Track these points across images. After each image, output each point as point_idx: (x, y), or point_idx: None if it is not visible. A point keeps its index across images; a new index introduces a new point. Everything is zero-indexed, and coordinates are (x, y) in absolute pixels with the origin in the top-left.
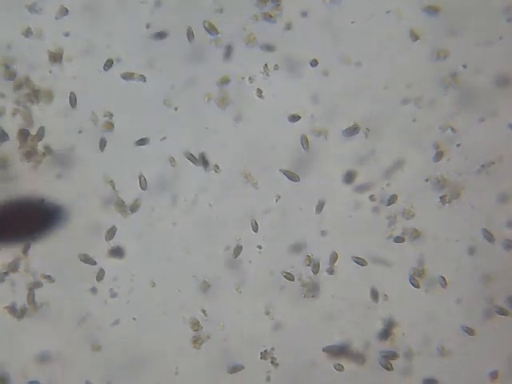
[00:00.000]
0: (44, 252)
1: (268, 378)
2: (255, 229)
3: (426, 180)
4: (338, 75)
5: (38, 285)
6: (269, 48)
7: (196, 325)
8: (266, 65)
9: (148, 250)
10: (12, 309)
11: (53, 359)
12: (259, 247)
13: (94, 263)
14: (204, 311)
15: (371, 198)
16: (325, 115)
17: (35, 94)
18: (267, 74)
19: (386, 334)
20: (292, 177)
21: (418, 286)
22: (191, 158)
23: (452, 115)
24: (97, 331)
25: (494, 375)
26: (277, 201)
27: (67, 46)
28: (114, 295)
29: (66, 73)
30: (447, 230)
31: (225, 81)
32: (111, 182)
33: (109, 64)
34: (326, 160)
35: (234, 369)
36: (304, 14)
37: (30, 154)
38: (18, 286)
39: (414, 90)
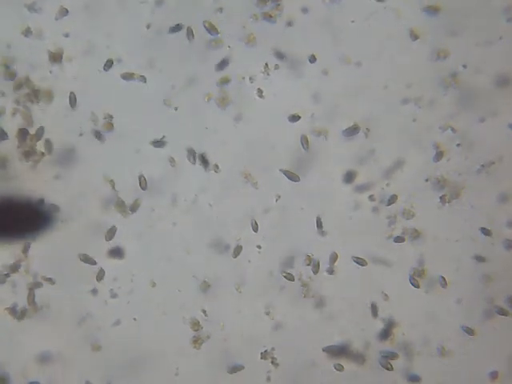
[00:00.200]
0: (44, 252)
1: (268, 378)
2: (255, 229)
3: (426, 180)
4: (338, 75)
5: (38, 285)
6: (269, 48)
7: (196, 325)
8: (266, 64)
9: (148, 250)
10: (12, 310)
11: (53, 359)
12: (259, 247)
13: (94, 263)
14: (204, 311)
15: (371, 197)
16: (325, 115)
17: (35, 94)
18: (267, 74)
19: (385, 333)
20: (292, 177)
21: (418, 286)
22: (191, 158)
23: (452, 115)
24: (97, 331)
25: (493, 375)
26: (277, 201)
27: (67, 46)
28: (114, 295)
29: (66, 73)
30: (447, 230)
31: (225, 81)
32: (111, 182)
33: (109, 64)
34: (325, 160)
35: (234, 369)
36: (304, 14)
37: (28, 154)
38: (19, 287)
39: (414, 90)
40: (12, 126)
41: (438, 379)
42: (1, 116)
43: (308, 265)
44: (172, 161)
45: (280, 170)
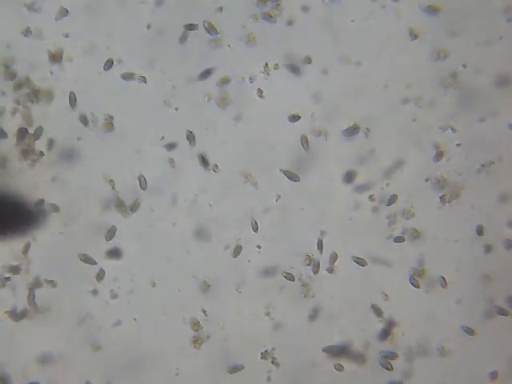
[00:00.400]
0: (44, 252)
1: (269, 378)
2: (255, 229)
3: (426, 180)
4: (337, 75)
5: (38, 285)
6: (269, 48)
7: (196, 325)
8: (266, 64)
9: (148, 250)
10: (13, 311)
11: (53, 359)
12: (259, 247)
13: (95, 263)
14: (204, 311)
15: (371, 197)
16: (325, 115)
17: (35, 94)
18: (267, 74)
19: (385, 333)
20: (292, 177)
21: (418, 286)
22: (191, 158)
23: (452, 115)
24: (97, 331)
25: (493, 375)
26: (277, 200)
27: (67, 46)
28: (114, 296)
29: (66, 73)
30: (447, 230)
31: (225, 81)
32: (111, 182)
33: (109, 64)
34: (325, 160)
35: (234, 369)
36: (304, 14)
37: (26, 152)
38: (19, 287)
39: (414, 90)
40: (12, 125)
41: (438, 379)
42: (1, 116)
43: (308, 265)
44: (172, 161)
45: (280, 170)
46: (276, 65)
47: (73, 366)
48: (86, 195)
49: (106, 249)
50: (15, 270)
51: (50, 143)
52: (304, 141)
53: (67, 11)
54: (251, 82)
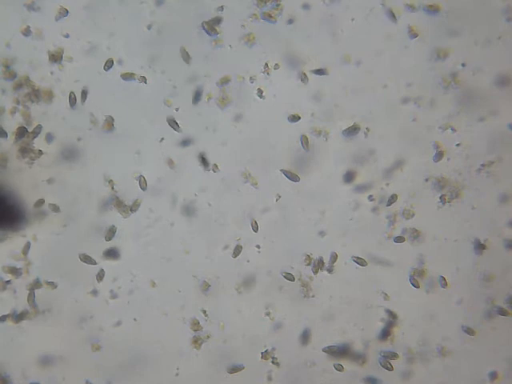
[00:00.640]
0: (44, 252)
1: (269, 378)
2: (255, 229)
3: (426, 180)
4: (338, 74)
5: (38, 286)
6: (269, 48)
7: (196, 325)
8: (266, 64)
9: (148, 250)
10: (13, 313)
11: (53, 360)
12: (259, 247)
13: (95, 263)
14: (204, 311)
15: (371, 197)
16: (325, 115)
17: (35, 94)
18: (267, 74)
19: (385, 333)
20: (292, 177)
21: (417, 286)
22: (191, 158)
23: (452, 115)
24: (97, 332)
25: (493, 375)
26: (277, 200)
27: (67, 46)
28: (114, 296)
29: (66, 73)
30: (447, 230)
31: (225, 81)
32: (111, 182)
33: (109, 64)
34: (326, 160)
35: (234, 369)
36: (303, 14)
37: (25, 150)
38: (19, 288)
39: (414, 90)
40: (12, 125)
41: (438, 379)
42: (0, 115)
43: (308, 265)
44: (172, 161)
45: (280, 170)
46: (276, 65)
47: (73, 366)
48: (85, 195)
49: (106, 249)
50: (15, 271)
51: (50, 143)
52: (304, 141)
53: (67, 11)
54: (251, 82)
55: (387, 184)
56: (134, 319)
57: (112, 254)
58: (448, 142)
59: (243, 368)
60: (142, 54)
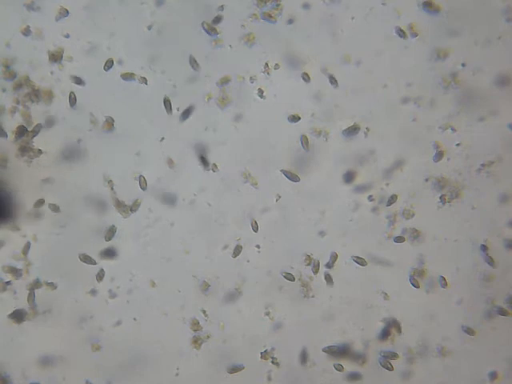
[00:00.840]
0: (44, 252)
1: (269, 378)
2: (255, 229)
3: (426, 180)
4: (337, 75)
5: (38, 286)
6: (269, 47)
7: (196, 325)
8: (266, 64)
9: (147, 250)
10: (13, 314)
11: (53, 360)
12: (259, 247)
13: (94, 263)
14: (204, 311)
15: (371, 197)
16: (325, 115)
17: (35, 94)
18: (268, 73)
19: (385, 333)
20: (292, 177)
21: (417, 286)
22: (191, 158)
23: (452, 115)
24: (97, 332)
25: (493, 375)
26: (277, 201)
27: (67, 46)
28: (113, 296)
29: (66, 73)
30: (447, 230)
31: (225, 81)
32: (111, 182)
33: (109, 64)
34: (326, 160)
35: (234, 369)
36: (304, 14)
37: (24, 149)
38: (19, 288)
39: (414, 90)
40: (12, 125)
41: (438, 379)
42: (1, 115)
43: (308, 265)
44: (172, 161)
45: (280, 170)
46: (276, 65)
47: (73, 366)
48: (85, 195)
49: (106, 249)
50: (15, 271)
51: (50, 142)
52: (304, 141)
53: (67, 11)
54: (251, 82)
55: (387, 184)
56: (134, 319)
57: (112, 253)
58: (448, 142)
59: (243, 368)
60: (142, 55)
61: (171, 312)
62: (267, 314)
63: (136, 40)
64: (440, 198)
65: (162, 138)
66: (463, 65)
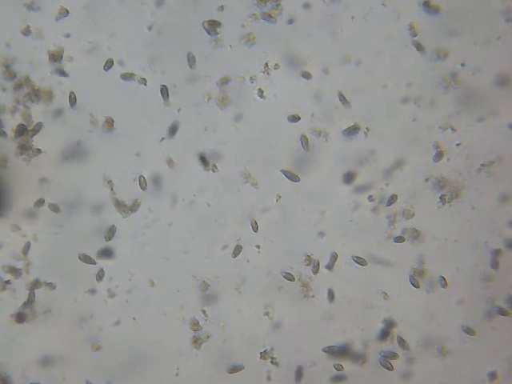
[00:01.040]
0: (44, 252)
1: (268, 378)
2: (255, 229)
3: (426, 180)
4: (338, 75)
5: (38, 286)
6: (269, 47)
7: (196, 325)
8: (266, 64)
9: (147, 250)
10: (13, 314)
11: (53, 360)
12: (259, 247)
13: (94, 263)
14: (204, 311)
15: (371, 197)
16: (325, 115)
17: (35, 94)
18: (268, 74)
19: (385, 333)
20: (292, 177)
21: (417, 286)
22: (191, 158)
23: (452, 115)
24: (97, 332)
25: (493, 376)
26: (277, 201)
27: (67, 46)
28: (112, 295)
29: (66, 73)
30: (447, 230)
31: (225, 81)
32: (110, 182)
33: (109, 64)
34: (326, 160)
35: (234, 369)
36: (304, 14)
37: (24, 147)
38: (19, 289)
39: (414, 90)
40: (12, 125)
41: (438, 379)
42: (1, 115)
43: (308, 265)
44: (172, 161)
45: (280, 170)
46: (276, 65)
47: (73, 366)
48: (85, 195)
49: (106, 249)
50: (15, 271)
51: (49, 142)
52: (304, 141)
53: (67, 11)
54: (251, 82)
55: (387, 184)
56: (133, 318)
57: (111, 253)
58: (448, 142)
59: (243, 368)
60: (142, 55)
61: (171, 312)
62: (267, 313)
63: (136, 40)
64: (440, 198)
65: (162, 138)
66: (462, 65)
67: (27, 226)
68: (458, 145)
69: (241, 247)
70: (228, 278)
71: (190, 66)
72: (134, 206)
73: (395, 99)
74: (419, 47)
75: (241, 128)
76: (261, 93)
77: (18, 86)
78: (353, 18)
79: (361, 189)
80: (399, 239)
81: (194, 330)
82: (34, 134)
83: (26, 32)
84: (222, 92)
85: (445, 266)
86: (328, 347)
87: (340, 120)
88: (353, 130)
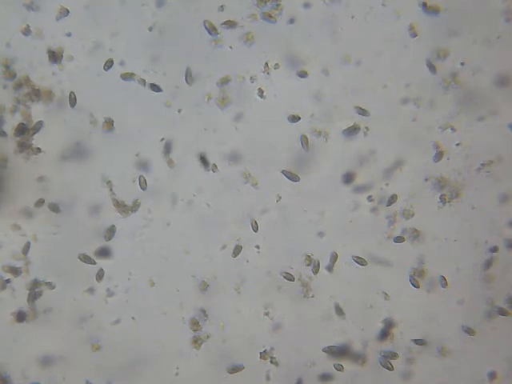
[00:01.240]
0: (44, 252)
1: (268, 377)
2: (255, 229)
3: (426, 180)
4: (338, 75)
5: (37, 286)
6: (269, 47)
7: (196, 325)
8: (266, 63)
9: (147, 249)
10: (13, 314)
11: (53, 360)
12: (258, 247)
13: (94, 263)
14: (203, 311)
15: (371, 197)
16: (325, 115)
17: (35, 94)
18: (268, 73)
19: (385, 333)
20: (292, 177)
21: (417, 286)
22: (191, 158)
23: (452, 115)
24: (97, 331)
25: (493, 375)
26: (277, 201)
27: (67, 45)
28: (112, 295)
29: (66, 73)
30: (447, 230)
31: (225, 81)
32: (109, 183)
33: (109, 64)
34: (325, 160)
35: (234, 369)
36: (304, 14)
37: (23, 146)
38: (19, 289)
39: (414, 90)
40: (12, 123)
41: (438, 379)
42: (1, 114)
43: (308, 265)
44: (172, 161)
45: (280, 170)
46: (276, 64)
47: (73, 366)
48: (85, 195)
49: (106, 248)
50: (15, 270)
51: (49, 142)
52: (304, 141)
53: (68, 11)
54: (252, 82)
55: (387, 184)
56: (133, 318)
57: (112, 253)
58: (448, 142)
59: (243, 368)
60: (143, 56)
61: (170, 311)
62: (266, 314)
63: (137, 41)
64: (440, 197)
65: (162, 138)
66: (462, 64)
67: (27, 226)
68: (457, 145)
69: (241, 247)
70: (228, 278)
71: (188, 82)
72: (134, 206)
73: (395, 99)
74: (431, 67)
75: (241, 128)
76: (261, 93)
77: (18, 86)
78: (353, 17)
79: (360, 189)
80: (399, 239)
81: (194, 330)
82: (34, 133)
83: (26, 32)
84: (222, 92)
85: (445, 266)
86: (328, 347)
87: (340, 120)
88: (353, 130)
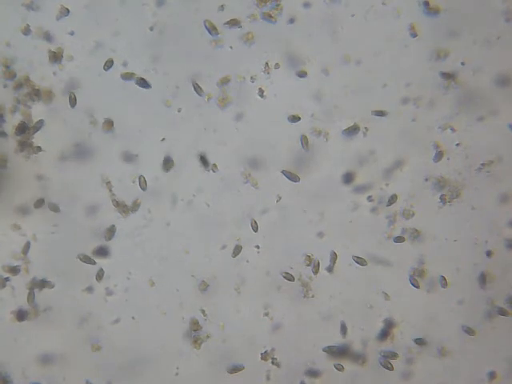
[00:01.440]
0: (43, 252)
1: (268, 377)
2: (255, 229)
3: (426, 180)
4: (338, 75)
5: (37, 286)
6: (269, 47)
7: (196, 325)
8: (266, 63)
9: (147, 249)
10: (13, 313)
11: (53, 360)
12: (258, 247)
13: (94, 263)
14: (203, 311)
15: (371, 198)
16: (325, 115)
17: (35, 94)
18: (268, 73)
19: (385, 333)
20: (292, 177)
21: (417, 286)
22: (191, 158)
23: (452, 115)
24: (97, 331)
25: (493, 375)
26: (277, 201)
27: (68, 45)
28: (112, 295)
29: (66, 73)
30: (447, 230)
31: (225, 81)
32: (109, 184)
33: (109, 64)
34: (325, 160)
35: (234, 369)
36: (304, 14)
37: (24, 144)
38: (19, 288)
39: (414, 90)
40: (12, 123)
41: (438, 379)
42: (1, 114)
43: (308, 265)
44: (172, 161)
45: (280, 170)
46: (276, 64)
47: (73, 366)
48: (85, 195)
49: (106, 248)
50: (15, 270)
51: (49, 142)
52: (304, 141)
53: (68, 11)
54: (252, 82)
55: (387, 184)
56: (133, 318)
57: (111, 253)
58: (448, 142)
59: (243, 368)
60: (144, 55)
61: (170, 311)
62: (266, 314)
63: (138, 41)
64: (440, 197)
65: (162, 139)
66: (462, 63)
67: (27, 226)
68: (457, 145)
69: (240, 247)
70: (228, 278)
71: (198, 93)
72: (134, 206)
73: (395, 99)
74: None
75: (241, 128)
76: (261, 92)
77: (19, 86)
78: (353, 15)
79: (360, 189)
80: (399, 239)
81: (194, 330)
82: (35, 131)
83: (26, 31)
84: (222, 92)
85: (445, 266)
86: (328, 347)
87: (340, 120)
88: (353, 130)
